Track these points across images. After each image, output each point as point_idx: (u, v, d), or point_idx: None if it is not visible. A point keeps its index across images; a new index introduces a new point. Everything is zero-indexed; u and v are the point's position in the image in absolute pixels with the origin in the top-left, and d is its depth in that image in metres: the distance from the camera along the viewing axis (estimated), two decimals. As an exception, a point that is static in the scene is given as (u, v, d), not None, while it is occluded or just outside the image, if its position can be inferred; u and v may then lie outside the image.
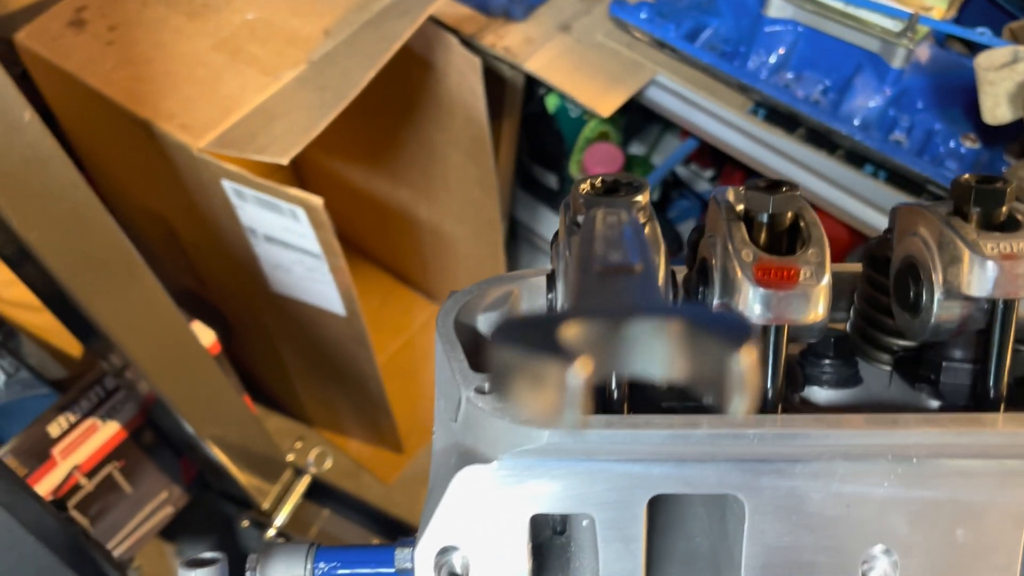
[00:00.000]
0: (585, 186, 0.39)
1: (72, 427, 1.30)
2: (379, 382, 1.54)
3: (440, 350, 0.45)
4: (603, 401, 0.41)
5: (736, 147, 1.45)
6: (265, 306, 1.51)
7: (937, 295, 0.39)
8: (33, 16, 1.38)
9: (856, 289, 0.49)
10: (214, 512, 1.63)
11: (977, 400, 0.41)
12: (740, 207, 0.41)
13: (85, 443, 1.31)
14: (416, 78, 1.50)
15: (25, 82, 1.38)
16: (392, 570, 0.51)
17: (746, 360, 0.19)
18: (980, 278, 0.37)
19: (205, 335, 1.35)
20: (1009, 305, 0.38)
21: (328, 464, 1.65)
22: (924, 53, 1.33)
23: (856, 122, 1.33)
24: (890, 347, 0.45)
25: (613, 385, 0.40)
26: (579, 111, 1.64)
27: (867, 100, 1.34)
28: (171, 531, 1.61)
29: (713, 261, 0.40)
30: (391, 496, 1.75)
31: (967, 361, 0.41)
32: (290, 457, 1.64)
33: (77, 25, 1.36)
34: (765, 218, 0.40)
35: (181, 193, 1.34)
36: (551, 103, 1.66)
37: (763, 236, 0.40)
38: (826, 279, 0.38)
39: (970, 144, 1.29)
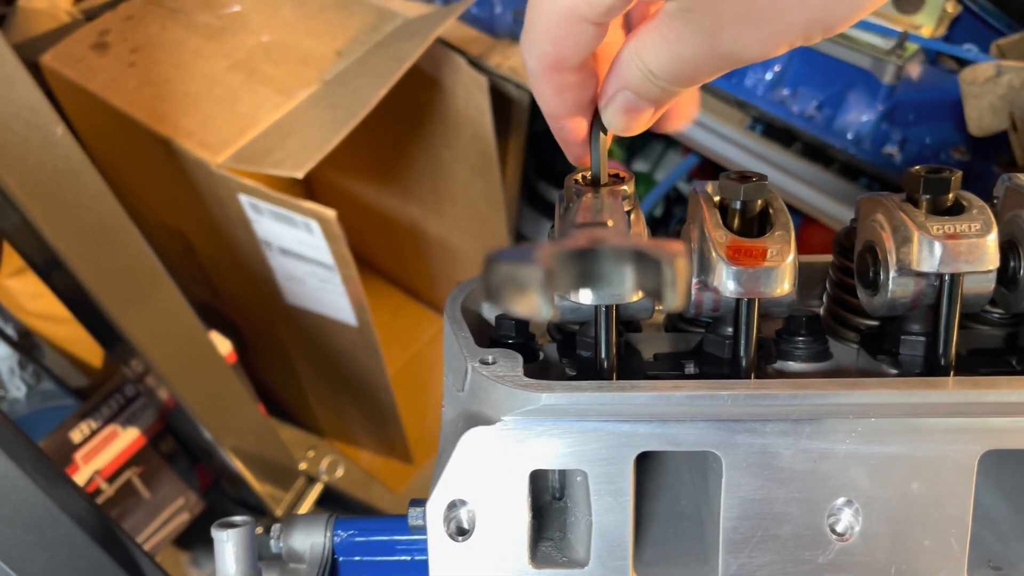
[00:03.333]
0: (576, 176, 0.44)
1: (94, 433, 1.35)
2: (390, 392, 1.58)
3: (448, 330, 0.50)
4: (594, 370, 0.45)
5: (735, 162, 1.50)
6: (279, 318, 1.56)
7: (892, 272, 0.43)
8: (57, 39, 1.44)
9: (827, 277, 0.53)
10: (229, 520, 1.67)
11: (930, 368, 0.45)
12: (717, 197, 0.46)
13: (106, 448, 1.35)
14: (425, 97, 1.56)
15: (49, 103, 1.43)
16: (405, 538, 0.56)
17: (677, 259, 0.23)
18: (928, 256, 0.42)
19: (222, 344, 1.40)
20: (955, 279, 0.43)
21: (340, 472, 1.69)
22: (915, 69, 1.38)
23: (850, 136, 1.38)
24: (857, 326, 0.50)
25: (603, 354, 0.45)
26: (583, 129, 1.69)
27: (860, 115, 1.38)
28: (186, 539, 1.65)
29: (692, 244, 0.45)
30: (401, 506, 1.78)
31: (922, 334, 0.46)
32: (303, 465, 1.68)
33: (100, 48, 1.42)
34: (738, 205, 0.44)
35: (199, 208, 1.40)
36: (555, 121, 1.71)
37: (736, 222, 0.45)
38: (791, 257, 0.43)
39: (960, 156, 1.33)
